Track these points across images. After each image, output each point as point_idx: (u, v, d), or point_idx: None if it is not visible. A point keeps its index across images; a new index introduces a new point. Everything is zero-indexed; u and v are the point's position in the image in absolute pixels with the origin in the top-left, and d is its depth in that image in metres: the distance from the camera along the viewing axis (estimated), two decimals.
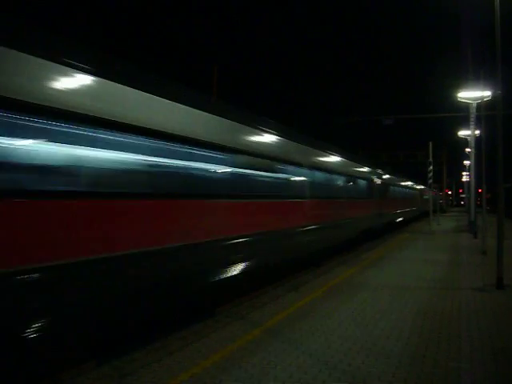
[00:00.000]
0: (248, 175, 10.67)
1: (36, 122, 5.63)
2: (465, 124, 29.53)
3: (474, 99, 23.19)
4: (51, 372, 5.96)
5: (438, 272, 13.31)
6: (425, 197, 51.22)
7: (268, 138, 11.99)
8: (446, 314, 8.60)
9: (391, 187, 29.77)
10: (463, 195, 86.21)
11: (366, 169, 23.32)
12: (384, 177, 27.34)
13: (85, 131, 6.18)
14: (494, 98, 17.17)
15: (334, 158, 17.57)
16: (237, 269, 9.77)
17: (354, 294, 10.20)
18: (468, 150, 33.67)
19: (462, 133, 33.14)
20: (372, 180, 23.87)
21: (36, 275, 5.44)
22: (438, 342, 6.94)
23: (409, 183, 37.58)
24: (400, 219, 33.07)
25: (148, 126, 7.29)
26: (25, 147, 5.59)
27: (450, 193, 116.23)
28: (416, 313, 8.62)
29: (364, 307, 9.08)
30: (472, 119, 24.96)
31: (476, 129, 25.46)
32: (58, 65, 5.93)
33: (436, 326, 7.81)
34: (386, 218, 26.81)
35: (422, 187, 42.72)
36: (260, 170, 11.25)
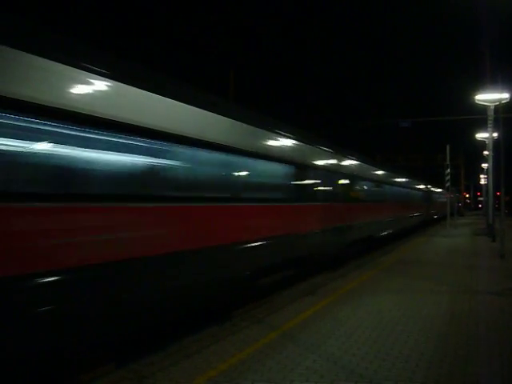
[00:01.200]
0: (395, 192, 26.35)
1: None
2: (483, 126, 29.30)
3: (492, 101, 22.98)
4: (70, 374, 6.04)
5: (456, 276, 13.20)
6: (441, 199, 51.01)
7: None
8: (463, 318, 8.54)
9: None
10: (481, 198, 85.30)
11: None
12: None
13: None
14: None
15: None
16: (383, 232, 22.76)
17: (372, 298, 10.16)
18: (486, 152, 33.38)
19: (480, 135, 32.85)
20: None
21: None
22: (455, 346, 6.89)
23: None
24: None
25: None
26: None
27: (468, 196, 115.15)
28: (434, 317, 8.56)
29: (381, 311, 9.04)
30: (490, 122, 24.72)
31: (494, 131, 25.22)
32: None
33: (454, 330, 7.75)
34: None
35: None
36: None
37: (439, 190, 52.64)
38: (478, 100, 23.46)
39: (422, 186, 38.54)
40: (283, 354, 6.59)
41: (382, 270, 14.32)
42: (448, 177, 30.58)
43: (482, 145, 36.44)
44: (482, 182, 62.16)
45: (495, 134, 25.42)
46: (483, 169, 51.53)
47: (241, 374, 5.87)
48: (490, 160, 25.51)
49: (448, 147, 30.77)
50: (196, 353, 6.70)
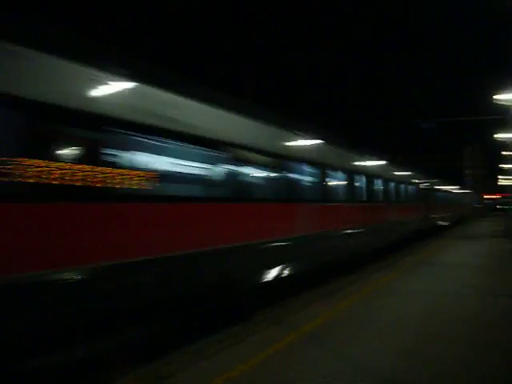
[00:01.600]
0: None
1: None
2: (505, 126, 28.87)
3: None
4: (87, 375, 6.00)
5: (475, 278, 12.97)
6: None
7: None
8: (482, 320, 8.37)
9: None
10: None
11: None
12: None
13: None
14: None
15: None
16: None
17: (392, 300, 10.03)
18: (505, 153, 32.93)
19: (499, 135, 32.38)
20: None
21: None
22: (475, 348, 6.76)
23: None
24: None
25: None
26: None
27: (492, 196, 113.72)
28: (454, 319, 8.40)
29: (402, 313, 8.90)
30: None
31: None
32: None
33: (473, 332, 7.60)
34: None
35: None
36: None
37: (447, 186, 40.46)
38: (497, 100, 23.07)
39: (414, 180, 26.17)
40: (303, 355, 6.52)
41: (402, 273, 14.14)
42: (468, 177, 30.18)
43: (503, 145, 35.95)
44: (502, 182, 61.33)
45: None
46: (502, 169, 50.76)
47: (260, 374, 5.80)
48: None
49: (469, 148, 30.36)
50: (216, 353, 6.65)
